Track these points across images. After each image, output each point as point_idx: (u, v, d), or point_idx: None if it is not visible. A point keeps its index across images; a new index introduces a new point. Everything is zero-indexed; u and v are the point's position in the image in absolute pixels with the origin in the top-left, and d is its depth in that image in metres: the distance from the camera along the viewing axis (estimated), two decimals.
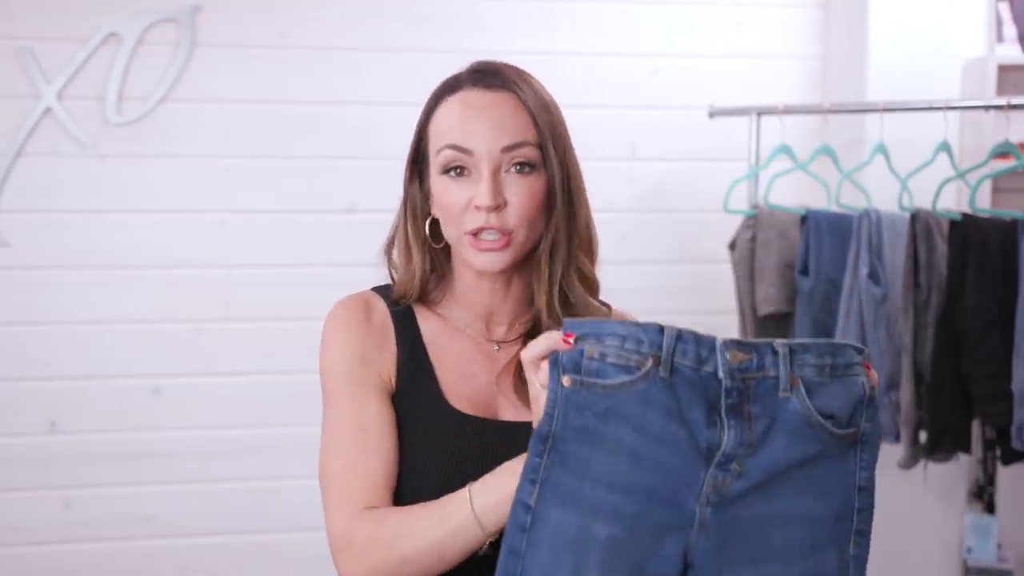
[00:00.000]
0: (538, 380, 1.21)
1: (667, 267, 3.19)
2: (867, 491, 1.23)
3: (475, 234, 1.38)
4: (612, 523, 1.19)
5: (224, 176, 3.03)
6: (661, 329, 1.18)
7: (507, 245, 1.39)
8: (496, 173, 1.38)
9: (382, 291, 1.50)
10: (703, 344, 1.19)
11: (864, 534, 1.23)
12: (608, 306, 1.53)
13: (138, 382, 3.01)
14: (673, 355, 1.19)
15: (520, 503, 1.20)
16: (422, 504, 1.30)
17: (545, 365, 1.20)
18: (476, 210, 1.38)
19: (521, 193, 1.39)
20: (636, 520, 1.19)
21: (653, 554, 1.19)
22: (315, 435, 3.11)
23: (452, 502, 1.27)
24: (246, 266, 3.04)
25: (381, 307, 1.47)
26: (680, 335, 1.19)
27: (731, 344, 1.19)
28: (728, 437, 1.18)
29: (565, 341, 1.19)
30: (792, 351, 1.19)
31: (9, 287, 2.95)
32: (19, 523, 2.97)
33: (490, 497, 1.24)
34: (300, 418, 3.02)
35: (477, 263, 1.40)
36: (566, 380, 1.19)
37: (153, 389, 3.01)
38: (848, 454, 1.22)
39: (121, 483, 3.01)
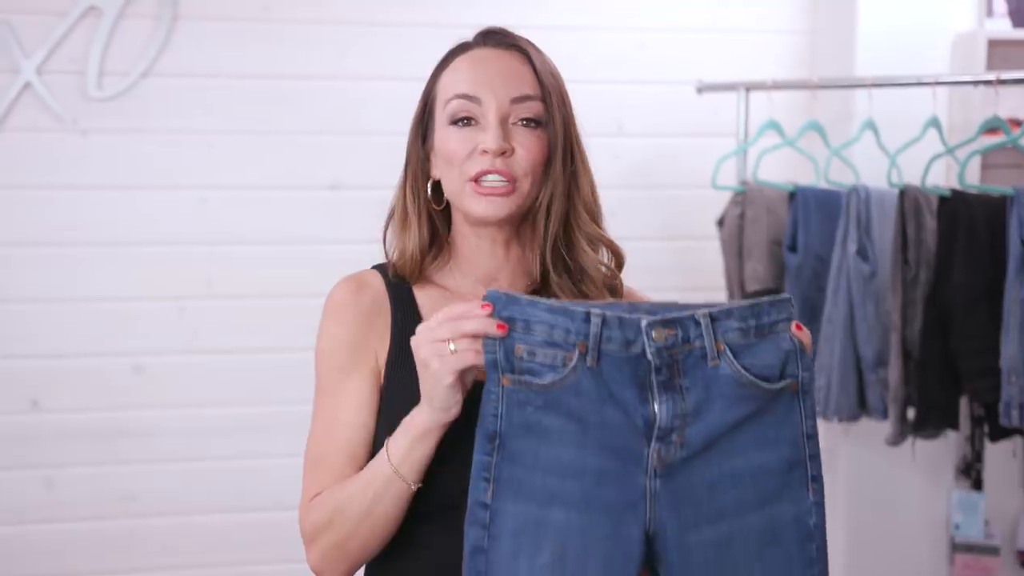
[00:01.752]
0: (448, 361, 1.23)
1: (654, 244, 3.17)
2: (814, 438, 1.27)
3: (477, 179, 1.39)
4: (567, 509, 1.23)
5: (206, 152, 2.99)
6: (587, 316, 1.22)
7: (511, 192, 1.40)
8: (504, 122, 1.40)
9: (382, 268, 1.51)
10: (628, 327, 1.23)
11: (818, 479, 1.27)
12: (620, 282, 1.53)
13: (120, 360, 2.98)
14: (600, 342, 1.22)
15: (478, 502, 1.24)
16: (347, 481, 1.34)
17: (462, 343, 1.22)
18: (482, 155, 1.39)
19: (527, 144, 1.41)
20: (590, 503, 1.22)
21: (614, 536, 1.23)
22: (298, 413, 3.09)
23: (374, 463, 1.32)
24: (228, 243, 3.01)
25: (377, 283, 1.48)
26: (605, 321, 1.22)
27: (655, 323, 1.22)
28: (661, 411, 1.22)
29: (490, 317, 1.22)
30: (714, 319, 1.23)
31: None
32: (0, 502, 2.95)
33: (400, 446, 1.29)
34: (283, 396, 3.01)
35: (479, 209, 1.41)
36: (506, 380, 1.22)
37: (135, 367, 2.98)
38: (791, 406, 1.26)
39: (103, 462, 2.98)
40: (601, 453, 1.23)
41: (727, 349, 1.23)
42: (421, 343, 1.24)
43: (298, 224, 3.04)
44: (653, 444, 1.23)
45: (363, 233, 2.78)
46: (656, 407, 1.22)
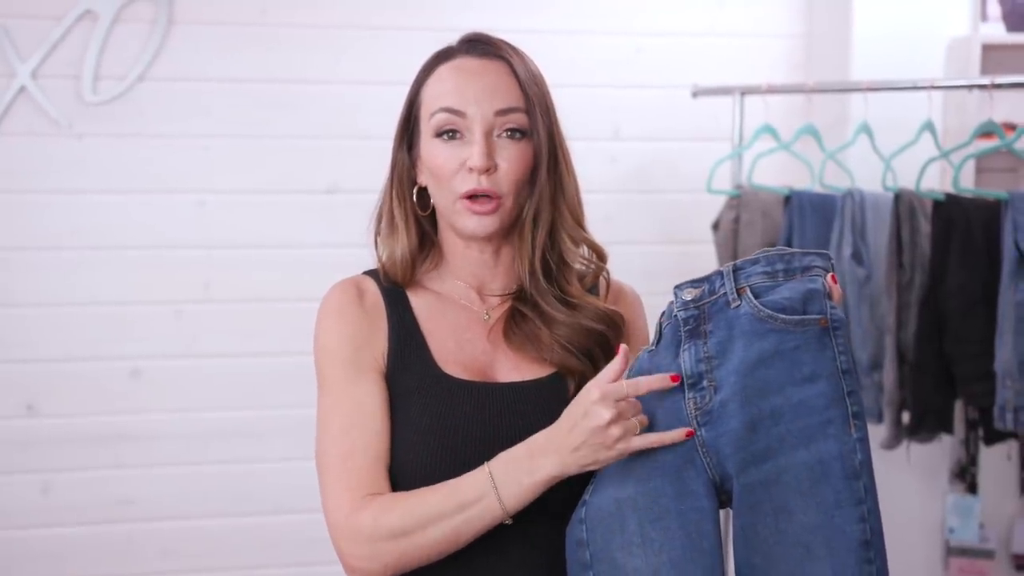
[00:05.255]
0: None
1: (650, 248, 3.17)
2: (850, 373, 1.28)
3: (469, 198, 1.41)
4: (635, 483, 1.30)
5: (203, 156, 2.99)
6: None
7: (496, 209, 1.41)
8: (488, 136, 1.41)
9: (373, 274, 1.52)
10: (672, 302, 1.33)
11: (860, 416, 1.28)
12: (607, 274, 1.55)
13: (116, 364, 2.98)
14: (661, 325, 1.33)
15: (580, 501, 1.34)
16: (429, 489, 1.32)
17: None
18: (468, 172, 1.40)
19: (512, 157, 1.42)
20: (651, 473, 1.29)
21: (680, 495, 1.29)
22: (295, 417, 3.10)
23: (469, 487, 1.31)
24: (225, 247, 3.01)
25: (372, 288, 1.49)
26: (667, 311, 1.33)
27: (684, 284, 1.32)
28: (684, 359, 1.29)
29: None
30: (737, 268, 1.30)
31: None
32: None
33: (519, 484, 1.29)
34: (281, 400, 3.00)
35: (468, 227, 1.42)
36: None
37: (132, 371, 2.98)
38: (823, 342, 1.27)
39: (100, 466, 2.98)
40: (654, 422, 1.30)
41: (748, 291, 1.29)
42: (610, 412, 1.25)
43: (295, 228, 3.04)
44: (687, 394, 1.29)
45: (360, 237, 2.76)
46: (682, 357, 1.29)
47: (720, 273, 1.30)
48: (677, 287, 1.32)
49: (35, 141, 2.91)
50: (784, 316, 1.27)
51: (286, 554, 3.05)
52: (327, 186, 3.04)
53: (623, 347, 1.28)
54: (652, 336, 1.36)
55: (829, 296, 1.28)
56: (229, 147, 3.00)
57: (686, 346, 1.29)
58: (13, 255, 2.92)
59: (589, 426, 1.25)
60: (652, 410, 1.30)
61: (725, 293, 1.29)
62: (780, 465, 1.26)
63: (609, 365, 1.28)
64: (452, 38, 1.50)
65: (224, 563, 3.06)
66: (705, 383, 1.28)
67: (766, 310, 1.27)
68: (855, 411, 1.27)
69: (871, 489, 1.28)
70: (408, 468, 1.38)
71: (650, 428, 1.28)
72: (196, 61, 2.97)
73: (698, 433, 1.28)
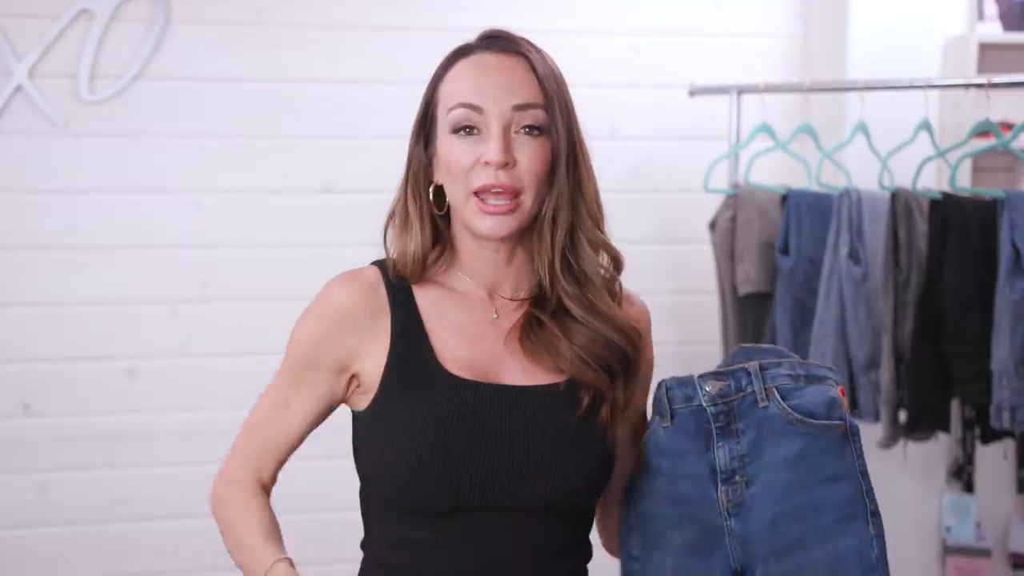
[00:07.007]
0: None
1: (647, 247, 3.17)
2: (867, 475, 1.39)
3: (481, 195, 1.38)
4: (672, 555, 1.41)
5: (200, 155, 2.99)
6: (659, 386, 1.44)
7: (514, 209, 1.39)
8: (506, 131, 1.39)
9: (381, 265, 1.50)
10: (685, 385, 1.41)
11: (877, 514, 1.38)
12: (619, 284, 1.53)
13: (113, 364, 2.97)
14: (671, 404, 1.41)
15: (628, 552, 1.47)
16: (247, 530, 1.64)
17: None
18: (485, 167, 1.38)
19: (530, 154, 1.40)
20: (684, 548, 1.40)
21: (707, 573, 1.39)
22: None
23: (255, 561, 1.62)
24: (222, 246, 3.01)
25: (376, 283, 1.47)
26: (666, 385, 1.42)
27: (708, 376, 1.40)
28: (719, 456, 1.38)
29: None
30: (763, 368, 1.39)
31: None
32: None
33: None
34: None
35: (482, 227, 1.40)
36: None
37: (128, 371, 2.98)
38: (844, 447, 1.38)
39: (96, 466, 2.98)
40: (687, 503, 1.40)
41: (776, 392, 1.38)
42: None
43: (291, 227, 3.03)
44: (720, 487, 1.39)
45: (356, 236, 2.78)
46: (716, 453, 1.39)
47: (746, 371, 1.39)
48: (700, 377, 1.40)
49: (31, 140, 2.90)
50: (812, 420, 1.36)
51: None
52: (324, 185, 3.04)
53: None
54: (652, 399, 1.46)
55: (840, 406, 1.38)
56: (226, 146, 3.00)
57: (720, 444, 1.38)
58: (9, 254, 2.92)
59: None
60: (687, 497, 1.40)
61: (754, 392, 1.38)
62: (799, 563, 1.35)
63: None
64: (449, 38, 1.49)
65: (220, 563, 3.02)
66: (738, 478, 1.38)
67: (795, 414, 1.36)
68: (873, 509, 1.38)
69: None
70: (403, 456, 1.38)
71: (685, 515, 1.37)
72: (193, 60, 2.97)
73: (727, 524, 1.38)
